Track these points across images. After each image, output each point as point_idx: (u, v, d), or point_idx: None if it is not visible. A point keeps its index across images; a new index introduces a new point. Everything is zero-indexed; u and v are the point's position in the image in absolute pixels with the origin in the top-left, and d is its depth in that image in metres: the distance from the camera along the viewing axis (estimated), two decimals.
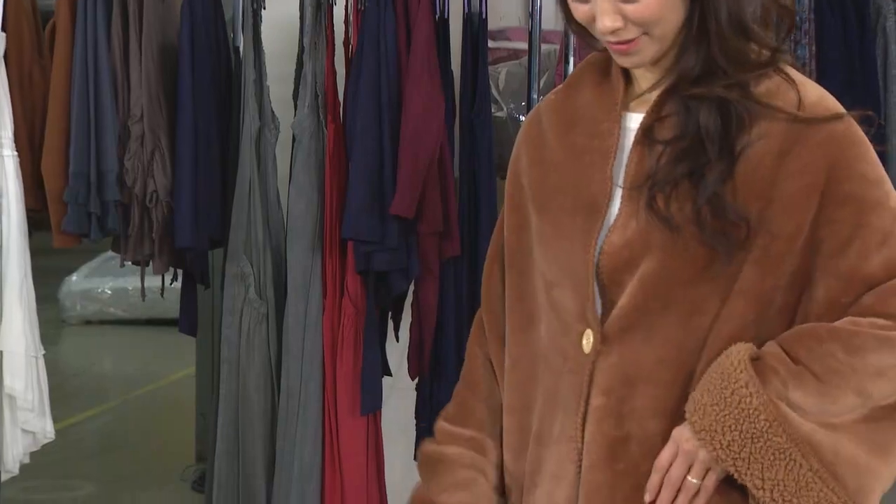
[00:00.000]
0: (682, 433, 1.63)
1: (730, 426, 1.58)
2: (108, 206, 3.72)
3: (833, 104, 1.69)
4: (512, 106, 4.14)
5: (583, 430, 1.70)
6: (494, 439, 1.87)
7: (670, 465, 1.63)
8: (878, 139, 1.71)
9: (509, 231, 1.85)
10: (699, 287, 1.64)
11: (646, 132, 1.69)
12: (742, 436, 1.58)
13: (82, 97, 3.70)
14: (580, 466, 1.70)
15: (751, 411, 1.57)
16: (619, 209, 1.70)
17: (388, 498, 3.92)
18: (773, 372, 1.59)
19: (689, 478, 1.63)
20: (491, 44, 4.04)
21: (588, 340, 1.69)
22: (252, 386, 3.82)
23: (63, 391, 7.75)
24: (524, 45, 4.10)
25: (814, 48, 3.86)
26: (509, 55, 4.28)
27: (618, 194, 1.71)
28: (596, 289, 1.70)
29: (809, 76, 1.75)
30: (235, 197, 3.80)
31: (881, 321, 1.60)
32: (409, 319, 3.88)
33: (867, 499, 1.61)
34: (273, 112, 3.86)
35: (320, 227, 3.78)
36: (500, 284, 1.87)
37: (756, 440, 1.57)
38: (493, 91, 4.07)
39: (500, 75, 4.14)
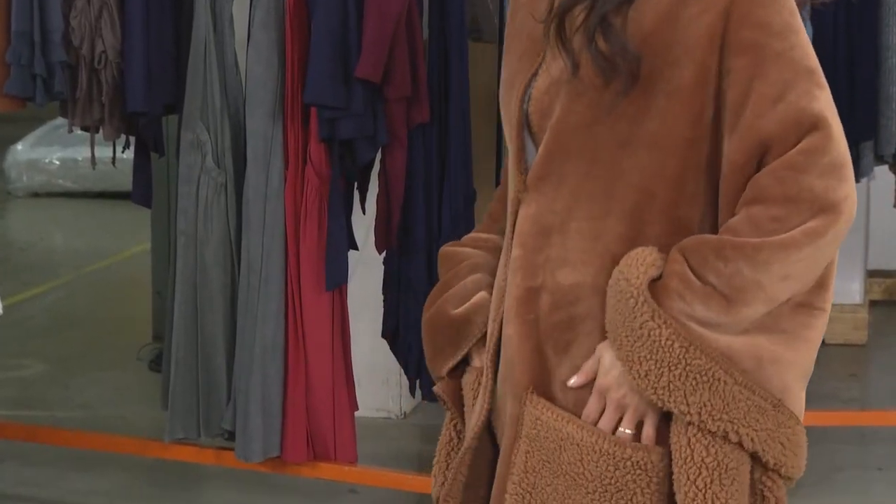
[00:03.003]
0: (606, 377, 1.66)
1: (644, 356, 1.62)
2: (54, 67, 3.66)
3: None
4: None
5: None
6: None
7: (599, 416, 1.68)
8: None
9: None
10: (596, 132, 1.67)
11: None
12: (658, 365, 1.61)
13: None
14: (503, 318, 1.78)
15: (663, 341, 1.60)
16: (547, 52, 1.73)
17: (355, 375, 3.95)
18: (678, 296, 1.62)
19: (621, 429, 1.67)
20: None
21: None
22: (210, 260, 3.81)
23: (10, 266, 7.74)
24: None
25: None
26: None
27: None
28: (528, 137, 1.76)
29: None
30: (190, 59, 3.75)
31: (777, 211, 1.61)
32: (376, 190, 3.86)
33: (790, 393, 1.65)
34: None
35: (281, 92, 3.74)
36: None
37: (674, 367, 1.60)
38: None
39: None
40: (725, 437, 1.62)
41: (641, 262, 1.64)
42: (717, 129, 1.67)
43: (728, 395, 1.61)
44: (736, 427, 1.61)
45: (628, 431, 1.67)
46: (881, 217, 5.89)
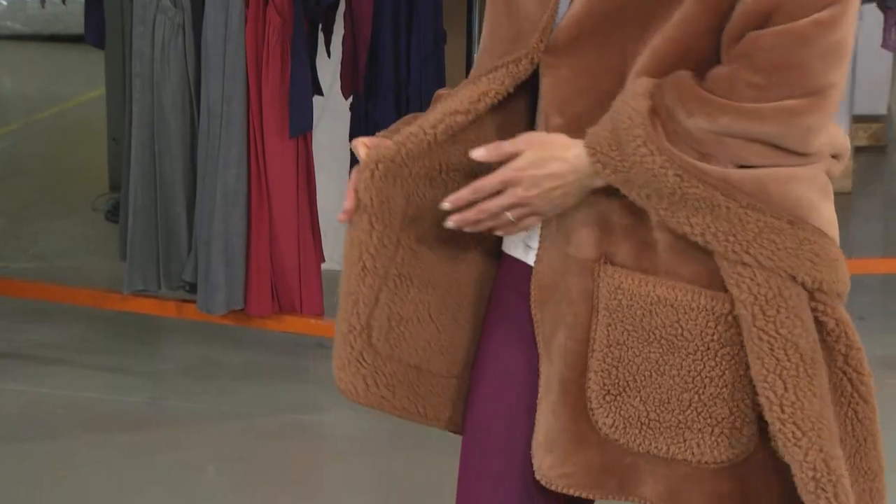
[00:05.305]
0: (524, 171, 1.66)
1: (640, 185, 1.63)
2: None
3: None
4: None
5: None
6: None
7: (489, 195, 1.67)
8: None
9: None
10: None
11: None
12: (658, 192, 1.63)
13: None
14: None
15: (656, 169, 1.61)
16: None
17: (322, 227, 3.95)
18: (669, 124, 1.62)
19: (508, 214, 1.68)
20: None
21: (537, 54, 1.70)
22: (168, 104, 3.78)
23: None
24: None
25: None
26: None
27: None
28: None
29: None
30: None
31: (760, 79, 1.59)
32: (342, 32, 3.83)
33: (807, 207, 1.65)
34: None
35: None
36: None
37: (672, 195, 1.62)
38: None
39: None
40: (746, 264, 1.63)
41: (641, 88, 1.63)
42: None
43: (734, 218, 1.62)
44: (746, 248, 1.63)
45: (511, 218, 1.68)
46: (867, 60, 5.89)
